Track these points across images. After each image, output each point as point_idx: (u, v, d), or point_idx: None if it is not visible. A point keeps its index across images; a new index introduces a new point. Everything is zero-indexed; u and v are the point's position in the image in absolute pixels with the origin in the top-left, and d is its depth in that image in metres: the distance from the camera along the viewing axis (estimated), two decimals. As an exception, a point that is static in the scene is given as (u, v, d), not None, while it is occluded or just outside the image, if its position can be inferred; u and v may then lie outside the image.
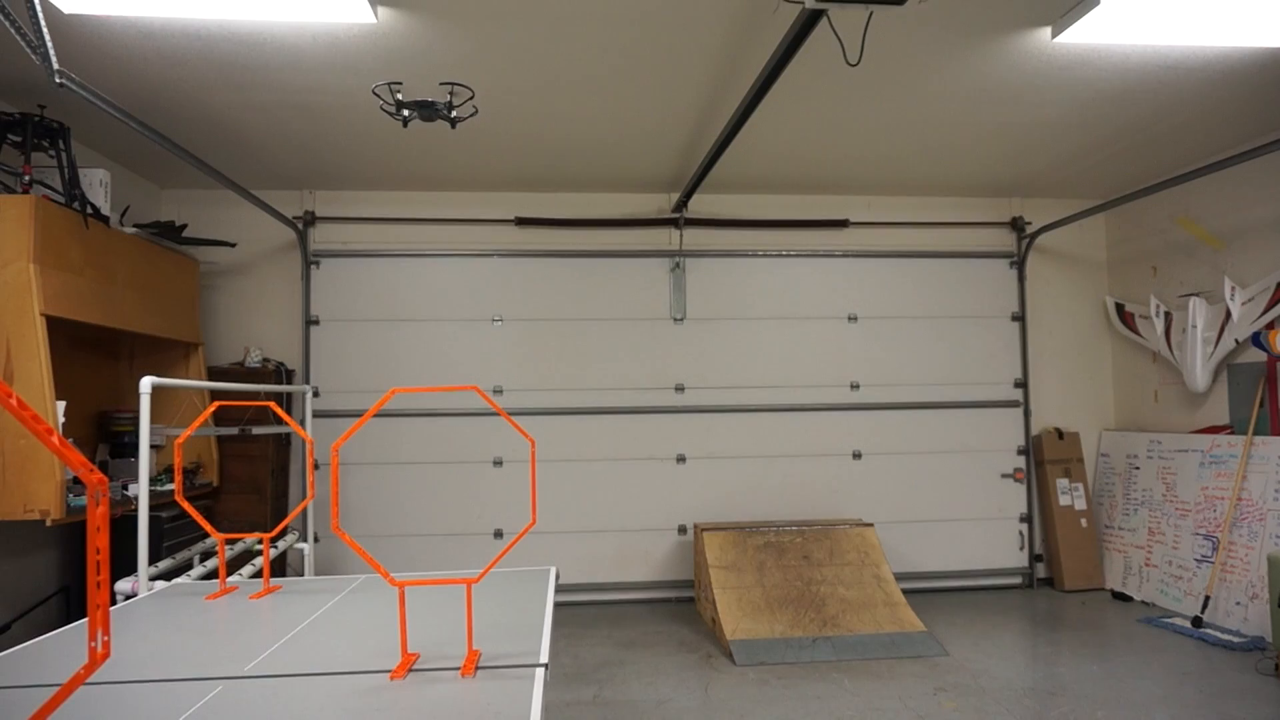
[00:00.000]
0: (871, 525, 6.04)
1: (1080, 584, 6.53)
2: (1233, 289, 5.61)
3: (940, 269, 6.85)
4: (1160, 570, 6.06)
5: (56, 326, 4.44)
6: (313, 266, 6.38)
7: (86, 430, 5.17)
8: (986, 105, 4.87)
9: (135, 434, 5.01)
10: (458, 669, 1.93)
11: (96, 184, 4.69)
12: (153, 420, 3.87)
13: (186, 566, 4.81)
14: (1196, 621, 5.40)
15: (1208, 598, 5.47)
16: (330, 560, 6.24)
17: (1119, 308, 6.83)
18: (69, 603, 5.00)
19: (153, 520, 4.59)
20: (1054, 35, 3.92)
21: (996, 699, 4.25)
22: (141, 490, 3.74)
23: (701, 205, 6.61)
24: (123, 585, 3.95)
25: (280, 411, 3.07)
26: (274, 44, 3.92)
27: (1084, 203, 6.89)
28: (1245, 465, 5.50)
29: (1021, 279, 6.91)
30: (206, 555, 5.01)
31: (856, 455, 6.66)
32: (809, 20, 3.19)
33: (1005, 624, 5.69)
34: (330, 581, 3.04)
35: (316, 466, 6.29)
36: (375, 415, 6.30)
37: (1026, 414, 6.84)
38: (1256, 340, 5.44)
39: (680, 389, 6.58)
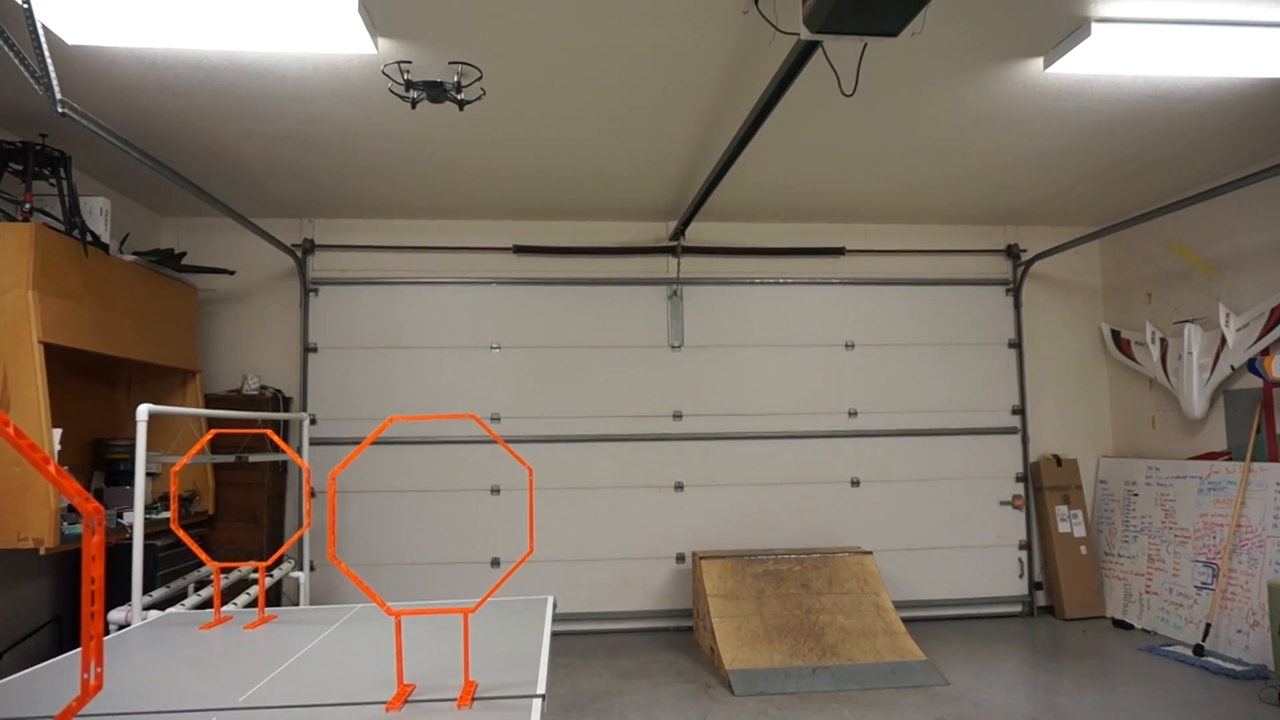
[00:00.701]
0: (870, 553, 6.01)
1: (1080, 612, 6.49)
2: (1227, 315, 5.64)
3: (936, 296, 6.88)
4: (1161, 598, 6.03)
5: (54, 353, 4.44)
6: (311, 294, 6.39)
7: (82, 458, 5.15)
8: (980, 134, 4.92)
9: (131, 461, 4.97)
10: (454, 700, 1.91)
11: (97, 212, 4.72)
12: (149, 448, 3.85)
13: (181, 595, 4.76)
14: (1198, 650, 5.36)
15: (1209, 625, 5.43)
16: (326, 589, 6.19)
17: (1115, 334, 6.85)
18: (61, 632, 4.95)
19: (147, 549, 4.55)
20: (1046, 66, 3.97)
21: (998, 729, 4.21)
22: (137, 519, 3.72)
23: (699, 233, 6.65)
24: (116, 615, 3.91)
25: (277, 439, 3.07)
26: (275, 74, 3.96)
27: (1078, 230, 6.93)
28: (1244, 491, 5.49)
29: (1017, 306, 6.94)
30: (201, 584, 4.97)
31: (855, 482, 6.64)
32: (804, 51, 3.24)
33: (1006, 653, 5.64)
34: (326, 611, 3.02)
35: (313, 494, 6.26)
36: (373, 443, 6.29)
37: (1024, 441, 6.83)
38: (1252, 366, 5.45)
39: (678, 416, 6.57)
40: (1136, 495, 6.45)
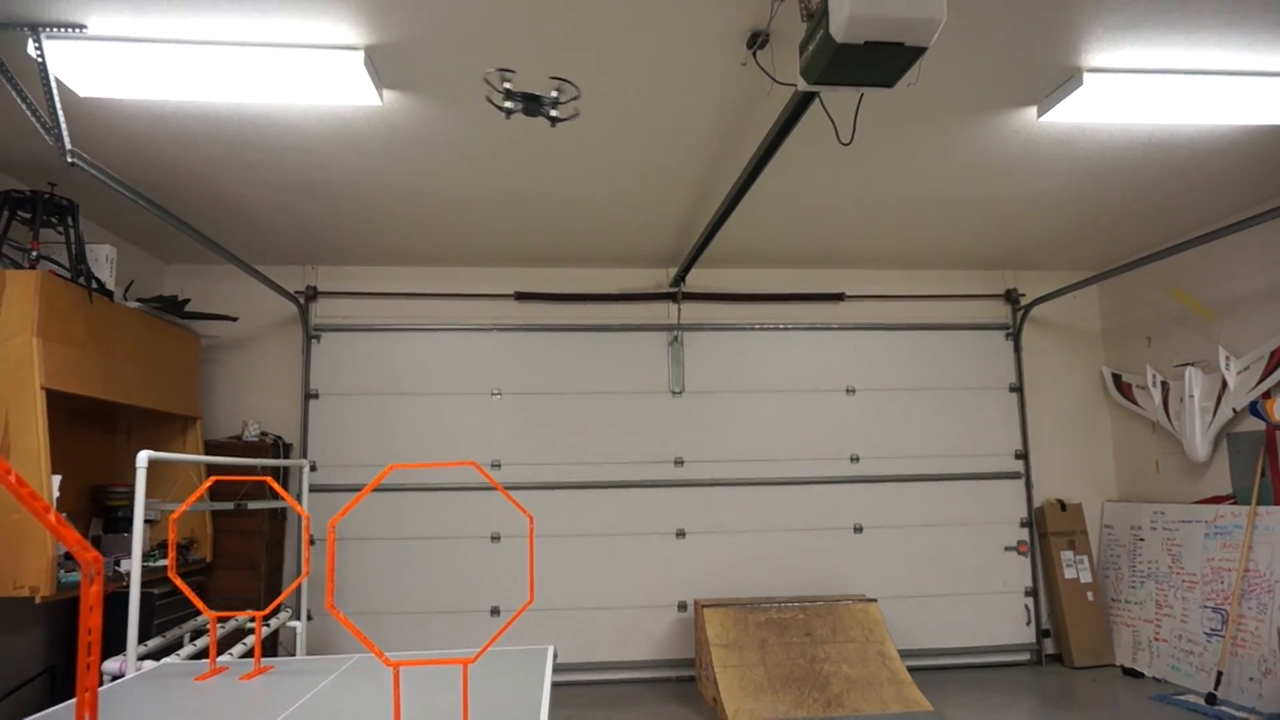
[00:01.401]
0: (875, 600, 5.94)
1: (1089, 660, 6.39)
2: (1227, 358, 5.64)
3: (937, 341, 6.89)
4: (1170, 644, 5.94)
5: (55, 400, 4.45)
6: (313, 340, 6.42)
7: (80, 504, 5.12)
8: (977, 181, 4.99)
9: (130, 509, 4.95)
10: (452, 753, 1.87)
11: (103, 259, 4.76)
12: (148, 494, 3.83)
13: (176, 645, 4.70)
14: (1210, 699, 5.27)
15: (1220, 673, 5.35)
16: (324, 638, 6.11)
17: (1116, 378, 6.85)
18: (54, 682, 4.87)
19: (144, 597, 4.51)
20: (1039, 115, 4.03)
21: (1008, 782, 4.11)
22: (134, 568, 3.68)
23: (699, 280, 6.70)
24: (110, 665, 3.85)
25: (276, 486, 3.06)
26: (282, 125, 4.03)
27: (1077, 275, 6.98)
28: (1250, 536, 5.44)
29: (1018, 350, 6.96)
30: (197, 633, 4.90)
31: (858, 529, 6.59)
32: (802, 102, 3.29)
33: (1014, 703, 5.54)
34: (323, 661, 2.98)
35: (312, 542, 6.21)
36: (373, 490, 6.26)
37: (1028, 485, 6.79)
38: (1254, 409, 5.45)
39: (679, 463, 6.55)
40: (1142, 540, 6.39)
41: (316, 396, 6.37)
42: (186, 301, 5.61)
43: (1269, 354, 5.37)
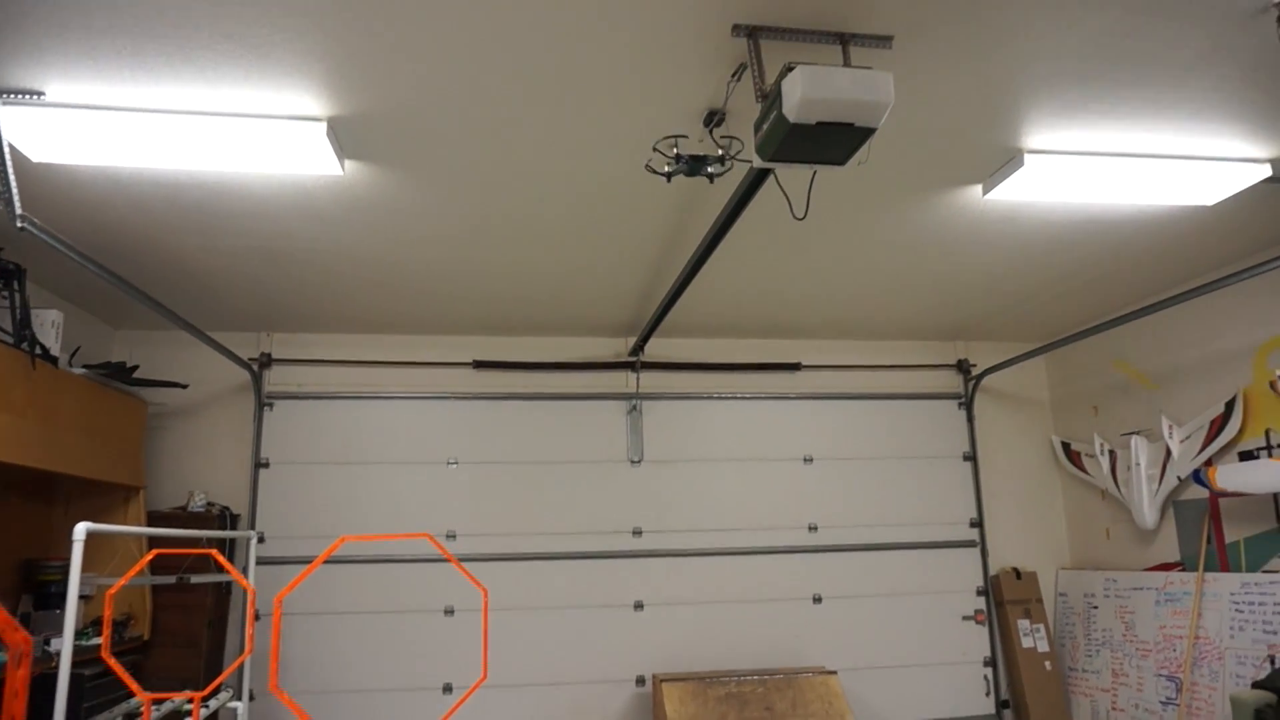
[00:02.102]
0: (835, 673, 5.87)
1: (1050, 732, 6.35)
2: (1170, 427, 5.80)
3: (892, 410, 6.99)
4: (1128, 714, 5.94)
5: (-9, 470, 4.28)
6: (266, 408, 6.29)
7: (11, 579, 4.89)
8: (927, 254, 5.14)
9: (63, 584, 4.72)
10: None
11: (48, 325, 4.65)
12: (85, 568, 3.67)
13: (107, 730, 4.45)
14: (1169, 770, 5.26)
15: (1178, 744, 5.35)
16: (265, 720, 5.84)
17: (1065, 446, 6.99)
18: (-29, 775, 4.56)
19: (74, 679, 4.27)
20: (984, 193, 4.20)
21: None
22: (65, 648, 3.51)
23: (658, 349, 6.74)
24: (34, 753, 3.63)
25: (221, 559, 2.96)
26: (242, 193, 4.02)
27: (1025, 345, 7.17)
28: (1199, 603, 5.51)
29: (970, 419, 7.08)
30: (131, 717, 4.65)
31: (817, 599, 6.55)
32: (757, 178, 3.39)
33: (977, 777, 5.46)
34: (264, 745, 2.84)
35: (257, 617, 5.98)
36: (323, 562, 6.09)
37: (984, 554, 6.83)
38: (1197, 477, 5.58)
39: (638, 533, 6.48)
40: (1096, 608, 6.44)
41: (267, 465, 6.22)
42: (135, 368, 5.48)
43: (1209, 423, 5.53)
